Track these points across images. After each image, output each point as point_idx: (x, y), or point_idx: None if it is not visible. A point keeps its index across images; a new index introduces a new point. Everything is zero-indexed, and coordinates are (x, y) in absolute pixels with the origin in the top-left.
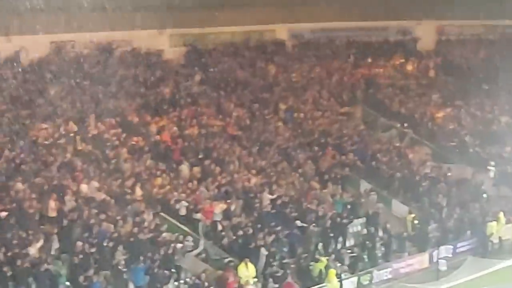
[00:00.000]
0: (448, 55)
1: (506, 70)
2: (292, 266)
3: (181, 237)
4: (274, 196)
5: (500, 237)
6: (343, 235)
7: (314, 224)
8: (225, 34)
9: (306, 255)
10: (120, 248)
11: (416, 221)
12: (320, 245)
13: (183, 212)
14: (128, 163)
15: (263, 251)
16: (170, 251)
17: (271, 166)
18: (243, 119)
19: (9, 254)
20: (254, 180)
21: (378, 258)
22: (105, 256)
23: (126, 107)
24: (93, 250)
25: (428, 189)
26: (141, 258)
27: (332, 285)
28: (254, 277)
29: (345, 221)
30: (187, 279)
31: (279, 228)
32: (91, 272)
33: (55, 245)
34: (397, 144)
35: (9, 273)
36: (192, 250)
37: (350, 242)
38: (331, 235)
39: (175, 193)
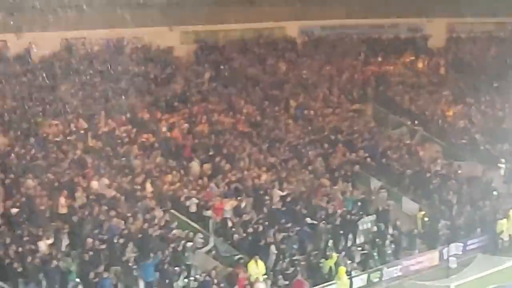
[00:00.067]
0: (458, 52)
1: None
2: (302, 263)
3: (191, 234)
4: (284, 193)
5: (510, 235)
6: (353, 232)
7: (324, 221)
8: (236, 31)
9: (316, 252)
10: (130, 244)
11: (426, 219)
12: (330, 242)
13: (193, 209)
14: (139, 160)
15: (273, 249)
16: (180, 248)
17: (281, 163)
18: (254, 116)
19: (19, 250)
20: (264, 177)
21: (388, 256)
22: (115, 253)
23: (137, 104)
24: (103, 246)
25: (438, 186)
26: (151, 254)
27: (342, 282)
28: (264, 274)
29: (355, 218)
30: (197, 276)
31: (289, 225)
32: (101, 268)
33: (65, 241)
34: (408, 142)
35: (19, 269)
36: (202, 247)
37: (360, 240)
38: (341, 232)
39: (185, 190)
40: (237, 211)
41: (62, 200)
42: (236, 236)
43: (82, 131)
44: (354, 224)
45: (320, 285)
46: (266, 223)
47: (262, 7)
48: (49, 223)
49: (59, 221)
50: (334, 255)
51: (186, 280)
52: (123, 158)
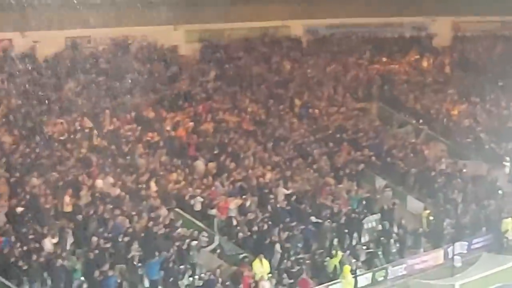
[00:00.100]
0: (463, 51)
1: None
2: (307, 262)
3: (196, 232)
4: (289, 192)
5: None
6: (358, 231)
7: (329, 220)
8: (241, 30)
9: (321, 251)
10: (135, 243)
11: (431, 217)
12: (335, 241)
13: (198, 207)
14: (143, 159)
15: (278, 247)
16: (185, 247)
17: (286, 161)
18: (259, 115)
19: (24, 249)
20: (269, 176)
21: (393, 254)
22: (120, 251)
23: (142, 102)
24: (108, 245)
25: (443, 185)
26: (156, 253)
27: (346, 281)
28: (269, 273)
29: (360, 217)
30: (202, 275)
31: (294, 224)
32: (106, 267)
33: (70, 240)
34: (413, 140)
35: (24, 268)
36: (207, 246)
37: (365, 238)
38: (346, 231)
39: (190, 189)
40: (241, 210)
41: (67, 199)
42: (240, 234)
43: (87, 130)
44: (359, 223)
45: (325, 284)
46: (271, 221)
47: (267, 6)
48: (54, 222)
49: (64, 220)
50: (339, 253)
51: (191, 278)
52: (128, 157)
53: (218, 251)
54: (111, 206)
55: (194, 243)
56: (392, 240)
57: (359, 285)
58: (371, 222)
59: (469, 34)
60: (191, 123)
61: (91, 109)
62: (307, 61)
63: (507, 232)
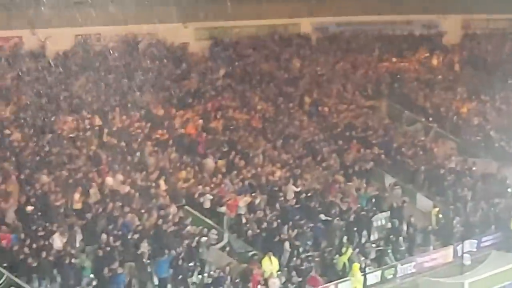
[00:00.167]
0: (473, 49)
1: None
2: (316, 259)
3: (205, 230)
4: (298, 190)
5: None
6: (367, 229)
7: (338, 218)
8: (250, 28)
9: (330, 248)
10: (145, 241)
11: (440, 215)
12: (344, 239)
13: (207, 205)
14: (153, 156)
15: (287, 245)
16: (194, 244)
17: (295, 159)
18: (268, 112)
19: (34, 246)
20: (278, 174)
21: (402, 252)
22: (130, 249)
23: (151, 100)
24: (117, 243)
25: (453, 183)
26: (166, 251)
27: (356, 279)
28: (278, 271)
29: (369, 214)
30: (211, 272)
31: (303, 221)
32: (115, 264)
33: (80, 237)
34: (422, 138)
35: (34, 265)
36: (216, 243)
37: (374, 236)
38: (355, 229)
39: (200, 187)
40: (251, 208)
41: (77, 196)
42: (250, 232)
43: (96, 128)
44: (368, 220)
45: (334, 282)
46: (280, 219)
47: (277, 3)
48: (63, 219)
49: (74, 217)
50: (350, 249)
51: (200, 276)
52: (138, 154)
53: (228, 248)
54: (121, 204)
55: (204, 240)
56: (401, 238)
57: (368, 283)
58: (380, 220)
59: (479, 32)
60: (201, 121)
61: (101, 107)
62: (316, 59)
63: None
